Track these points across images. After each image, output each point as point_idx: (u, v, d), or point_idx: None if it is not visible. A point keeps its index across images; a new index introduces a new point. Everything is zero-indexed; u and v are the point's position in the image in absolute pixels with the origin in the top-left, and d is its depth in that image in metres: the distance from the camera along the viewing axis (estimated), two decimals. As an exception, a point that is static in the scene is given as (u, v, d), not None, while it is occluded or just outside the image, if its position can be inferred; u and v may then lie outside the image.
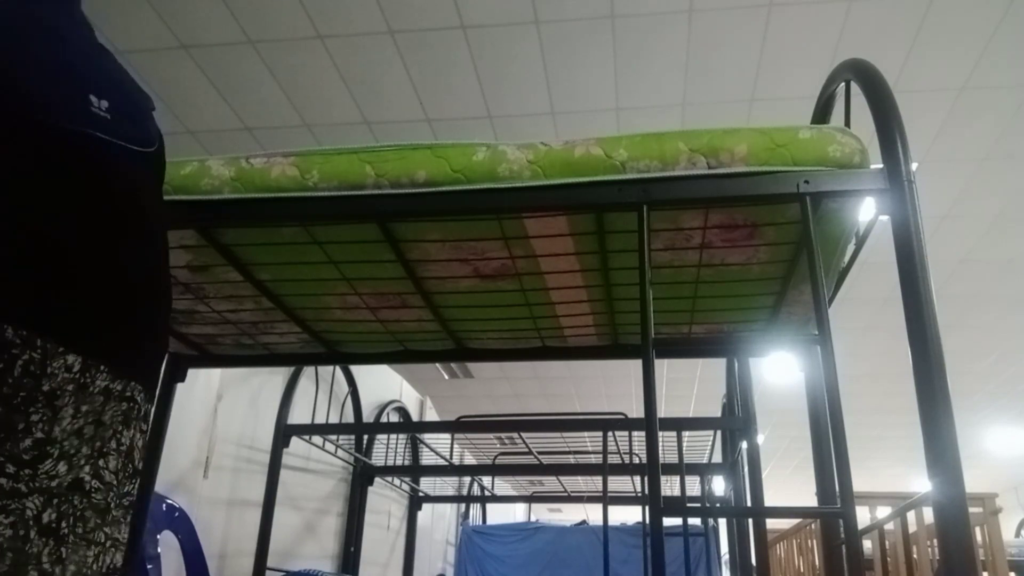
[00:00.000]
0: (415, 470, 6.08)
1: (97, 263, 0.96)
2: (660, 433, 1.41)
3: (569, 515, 10.72)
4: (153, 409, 1.07)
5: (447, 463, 5.41)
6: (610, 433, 4.02)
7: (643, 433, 2.11)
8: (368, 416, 5.52)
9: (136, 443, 1.01)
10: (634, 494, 5.80)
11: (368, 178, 1.63)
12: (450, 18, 2.80)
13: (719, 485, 5.40)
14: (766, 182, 1.52)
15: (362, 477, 5.14)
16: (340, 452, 4.80)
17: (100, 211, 0.98)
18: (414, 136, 3.41)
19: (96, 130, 0.97)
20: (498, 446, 5.90)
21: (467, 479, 7.35)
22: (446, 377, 6.79)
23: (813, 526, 4.19)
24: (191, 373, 2.59)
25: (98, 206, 0.97)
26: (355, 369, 5.17)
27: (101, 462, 0.93)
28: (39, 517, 0.83)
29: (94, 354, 0.94)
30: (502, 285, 2.03)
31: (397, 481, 5.95)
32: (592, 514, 6.94)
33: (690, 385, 6.91)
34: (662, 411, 7.33)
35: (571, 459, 5.37)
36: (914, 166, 1.51)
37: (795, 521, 4.82)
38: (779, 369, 6.15)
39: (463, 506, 7.57)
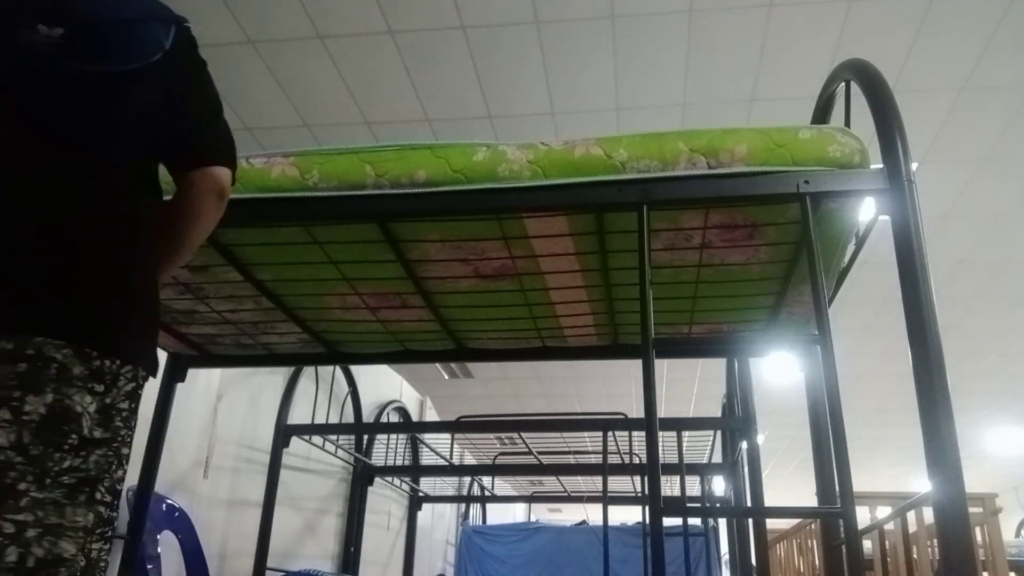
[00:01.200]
0: (415, 470, 6.08)
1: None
2: (660, 433, 1.41)
3: (569, 515, 10.71)
4: (106, 365, 0.94)
5: (447, 463, 5.41)
6: (610, 433, 4.02)
7: (643, 433, 2.11)
8: (368, 416, 5.52)
9: (68, 408, 0.87)
10: (634, 494, 5.80)
11: (368, 178, 1.63)
12: (450, 18, 2.79)
13: (719, 485, 5.40)
14: (766, 182, 1.52)
15: (362, 477, 5.14)
16: (340, 452, 4.80)
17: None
18: (414, 136, 3.41)
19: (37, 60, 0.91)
20: (498, 446, 5.89)
21: (467, 479, 7.35)
22: (446, 377, 6.78)
23: (813, 526, 4.18)
24: (191, 373, 2.58)
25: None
26: (355, 369, 5.17)
27: None
28: None
29: None
30: (502, 285, 2.03)
31: (397, 481, 5.95)
32: (592, 514, 6.94)
33: (690, 385, 6.91)
34: (662, 411, 7.32)
35: (571, 459, 5.36)
36: (914, 166, 1.51)
37: (795, 521, 4.81)
38: (779, 369, 6.14)
39: (463, 506, 7.57)
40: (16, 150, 0.92)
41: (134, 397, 1.01)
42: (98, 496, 0.94)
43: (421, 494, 6.35)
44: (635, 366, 1.90)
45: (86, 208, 0.96)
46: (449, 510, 7.82)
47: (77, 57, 0.94)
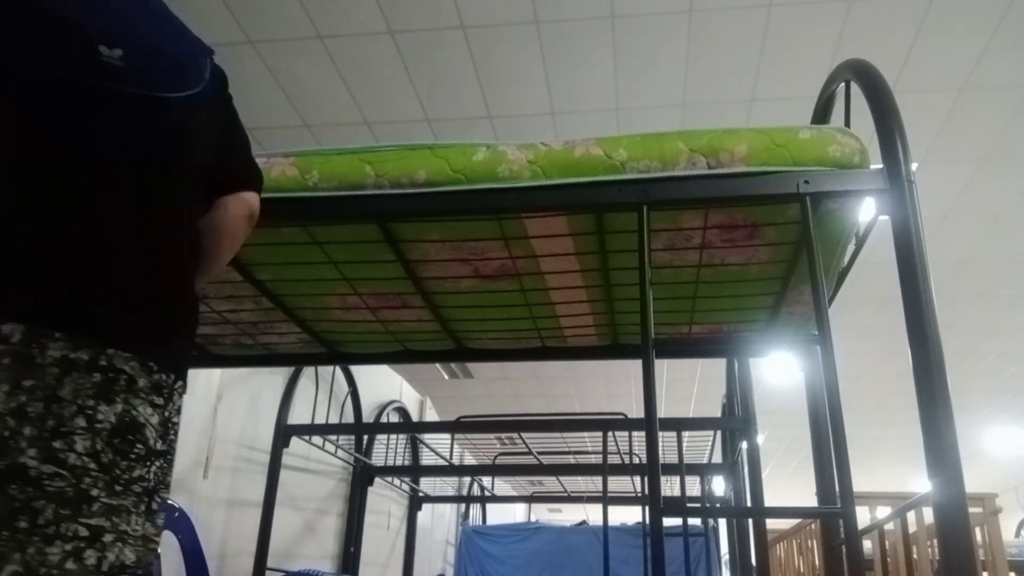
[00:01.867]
0: (415, 470, 6.07)
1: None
2: (660, 433, 1.41)
3: (569, 515, 10.71)
4: (166, 379, 0.96)
5: (447, 463, 5.41)
6: (610, 433, 4.02)
7: (643, 433, 2.11)
8: (368, 416, 5.52)
9: (136, 419, 0.89)
10: (634, 494, 5.80)
11: (368, 178, 1.63)
12: (450, 18, 2.79)
13: (719, 485, 5.40)
14: (766, 182, 1.52)
15: (362, 477, 5.14)
16: (340, 452, 4.80)
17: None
18: (414, 136, 3.41)
19: (106, 80, 0.94)
20: (498, 446, 5.89)
21: (467, 479, 7.35)
22: (446, 377, 6.78)
23: (813, 526, 4.18)
24: (191, 373, 2.58)
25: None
26: (355, 369, 5.17)
27: (58, 444, 0.81)
28: None
29: (42, 320, 0.83)
30: (502, 285, 2.03)
31: (397, 481, 5.95)
32: (592, 514, 6.93)
33: (690, 385, 6.91)
34: (662, 411, 7.31)
35: (571, 459, 5.36)
36: (914, 166, 1.51)
37: (795, 521, 4.82)
38: (779, 369, 6.15)
39: (463, 506, 7.57)
40: (77, 167, 0.94)
41: (181, 412, 1.06)
42: (154, 507, 0.96)
43: (421, 494, 6.35)
44: (635, 366, 1.90)
45: (151, 225, 1.00)
46: (449, 510, 7.82)
47: (131, 80, 0.98)
